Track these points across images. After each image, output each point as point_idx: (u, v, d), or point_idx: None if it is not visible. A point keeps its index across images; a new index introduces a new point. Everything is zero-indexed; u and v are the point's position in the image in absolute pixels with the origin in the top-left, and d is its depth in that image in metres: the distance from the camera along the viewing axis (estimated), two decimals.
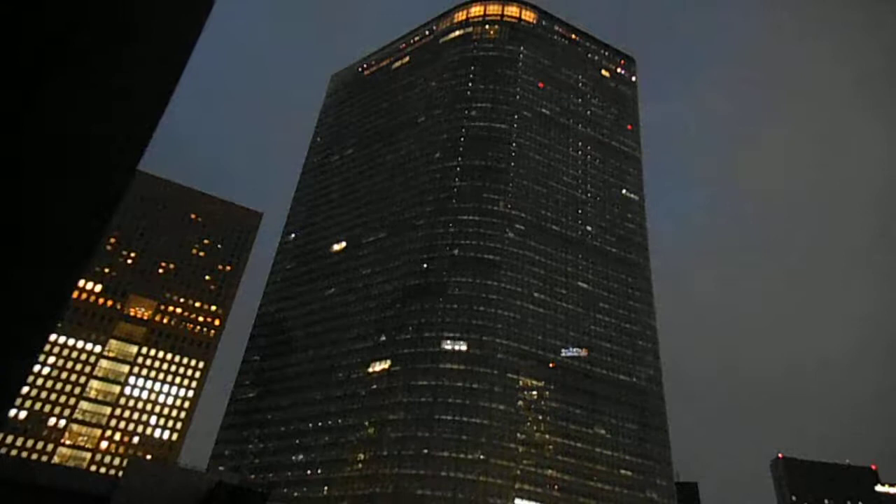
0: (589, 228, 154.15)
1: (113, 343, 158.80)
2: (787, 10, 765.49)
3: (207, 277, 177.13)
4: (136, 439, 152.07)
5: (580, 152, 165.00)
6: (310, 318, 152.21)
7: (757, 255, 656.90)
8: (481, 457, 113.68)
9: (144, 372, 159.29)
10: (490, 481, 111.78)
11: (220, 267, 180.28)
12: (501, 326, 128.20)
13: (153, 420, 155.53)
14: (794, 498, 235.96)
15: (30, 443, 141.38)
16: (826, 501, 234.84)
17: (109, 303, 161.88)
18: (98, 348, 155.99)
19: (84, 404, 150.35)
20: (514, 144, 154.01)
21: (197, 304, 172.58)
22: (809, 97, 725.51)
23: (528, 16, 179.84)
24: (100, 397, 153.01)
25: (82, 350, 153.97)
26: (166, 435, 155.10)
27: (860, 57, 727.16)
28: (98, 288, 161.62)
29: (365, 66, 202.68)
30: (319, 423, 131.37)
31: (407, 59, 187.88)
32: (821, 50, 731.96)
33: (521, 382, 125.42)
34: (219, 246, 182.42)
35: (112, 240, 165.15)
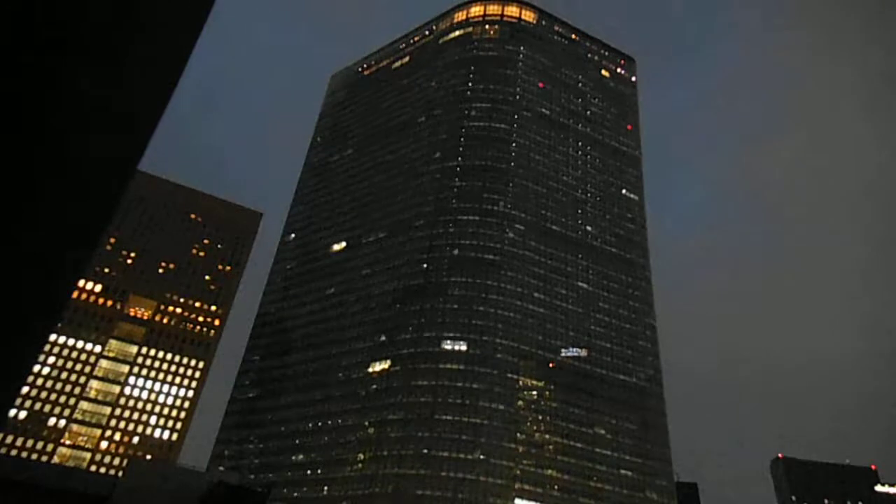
0: (589, 228, 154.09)
1: (113, 343, 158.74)
2: (787, 11, 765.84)
3: (207, 277, 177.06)
4: (136, 439, 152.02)
5: (580, 152, 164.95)
6: (310, 318, 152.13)
7: (757, 255, 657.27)
8: (481, 457, 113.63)
9: (144, 372, 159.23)
10: (490, 481, 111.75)
11: (220, 267, 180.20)
12: (501, 326, 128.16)
13: (153, 420, 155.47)
14: (794, 498, 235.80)
15: (30, 443, 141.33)
16: (826, 501, 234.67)
17: (109, 303, 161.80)
18: (98, 348, 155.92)
19: (84, 404, 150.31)
20: (514, 144, 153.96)
21: (197, 304, 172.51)
22: (810, 98, 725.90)
23: (528, 16, 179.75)
24: (100, 397, 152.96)
25: (82, 350, 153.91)
26: (166, 435, 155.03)
27: (861, 58, 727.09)
28: (98, 288, 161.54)
29: (365, 66, 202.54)
30: (319, 423, 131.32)
31: (407, 59, 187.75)
32: (821, 51, 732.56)
33: (520, 382, 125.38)
34: (219, 246, 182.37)
35: (112, 240, 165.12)
